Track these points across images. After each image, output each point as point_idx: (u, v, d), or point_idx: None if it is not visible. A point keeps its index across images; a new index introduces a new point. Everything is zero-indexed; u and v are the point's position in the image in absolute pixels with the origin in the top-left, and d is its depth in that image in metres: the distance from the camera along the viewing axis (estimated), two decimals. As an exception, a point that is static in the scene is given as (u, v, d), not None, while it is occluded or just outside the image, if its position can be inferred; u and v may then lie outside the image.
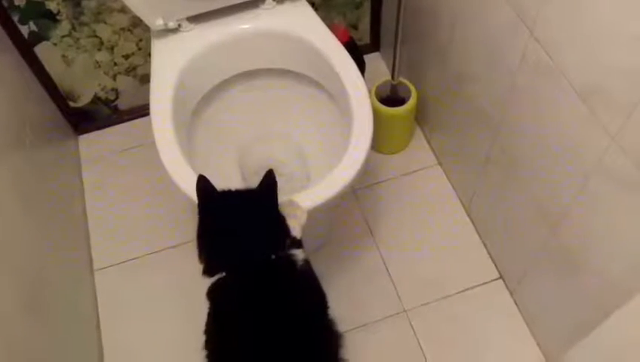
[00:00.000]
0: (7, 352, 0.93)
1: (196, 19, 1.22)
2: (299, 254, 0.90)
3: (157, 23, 1.17)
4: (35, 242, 1.17)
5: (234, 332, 0.88)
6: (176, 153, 1.04)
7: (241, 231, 0.88)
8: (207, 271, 0.89)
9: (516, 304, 1.34)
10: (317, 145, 1.31)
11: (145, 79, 1.63)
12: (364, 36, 1.77)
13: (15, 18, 1.37)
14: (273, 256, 0.88)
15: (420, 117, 1.61)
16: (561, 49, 0.90)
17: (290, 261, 0.90)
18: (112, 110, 1.69)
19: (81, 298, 1.35)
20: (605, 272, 0.96)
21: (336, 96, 1.19)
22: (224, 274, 0.88)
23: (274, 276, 0.88)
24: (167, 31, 1.21)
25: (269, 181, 0.90)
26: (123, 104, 1.68)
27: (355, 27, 1.73)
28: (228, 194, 0.91)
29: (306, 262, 0.92)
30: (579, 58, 0.86)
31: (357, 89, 1.11)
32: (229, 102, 1.30)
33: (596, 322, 1.00)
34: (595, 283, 1.00)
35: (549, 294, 1.19)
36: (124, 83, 1.62)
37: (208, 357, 0.90)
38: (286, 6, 1.24)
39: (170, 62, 1.17)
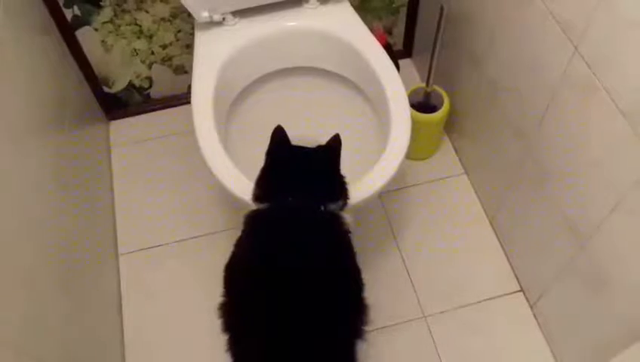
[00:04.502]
0: (43, 322, 0.95)
1: (240, 13, 1.24)
2: (347, 218, 0.94)
3: (203, 15, 1.19)
4: (66, 219, 1.19)
5: (258, 259, 0.90)
6: (215, 144, 1.06)
7: (302, 175, 0.93)
8: (257, 196, 0.93)
9: (536, 318, 1.34)
10: (349, 146, 1.32)
11: (179, 70, 1.65)
12: (397, 42, 1.79)
13: (60, 1, 1.39)
14: (323, 207, 0.91)
15: (448, 125, 1.61)
16: (607, 67, 0.90)
17: (337, 219, 0.93)
18: (145, 98, 1.71)
19: (105, 280, 1.37)
20: (635, 292, 0.96)
21: (374, 99, 1.20)
22: (270, 205, 0.92)
23: (316, 223, 0.91)
24: (212, 23, 1.23)
25: (335, 143, 0.95)
26: (156, 93, 1.70)
27: (389, 32, 1.74)
28: (297, 146, 0.97)
29: (349, 231, 0.95)
30: (625, 77, 0.86)
31: (396, 93, 1.12)
32: (266, 98, 1.32)
33: (620, 343, 1.00)
34: (623, 302, 1.00)
35: (571, 311, 1.19)
36: (159, 72, 1.64)
37: (227, 277, 0.94)
38: (329, 6, 1.26)
39: (213, 55, 1.19)
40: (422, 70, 1.73)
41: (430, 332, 1.34)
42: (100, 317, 1.28)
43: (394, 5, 1.66)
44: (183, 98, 1.69)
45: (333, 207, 0.92)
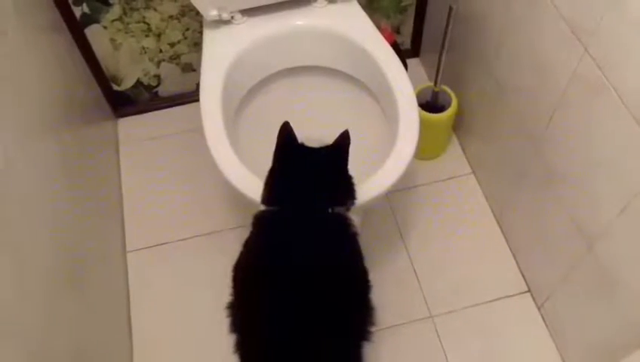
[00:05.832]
0: (52, 319, 0.96)
1: (249, 12, 1.24)
2: (354, 220, 0.93)
3: (211, 13, 1.19)
4: (74, 216, 1.20)
5: (267, 260, 0.90)
6: (224, 143, 1.06)
7: (310, 178, 0.92)
8: (265, 199, 0.93)
9: (543, 319, 1.34)
10: (357, 145, 1.32)
11: (187, 68, 1.66)
12: (405, 41, 1.78)
13: (70, -1, 1.40)
14: (331, 210, 0.91)
15: (456, 125, 1.61)
16: (617, 68, 0.89)
17: (344, 221, 0.93)
18: (153, 96, 1.72)
19: (113, 277, 1.37)
20: (643, 294, 0.96)
21: (382, 99, 1.20)
22: (278, 207, 0.92)
23: (324, 226, 0.91)
24: (220, 22, 1.23)
25: (344, 140, 0.93)
26: (164, 91, 1.71)
27: (397, 31, 1.74)
28: (304, 147, 0.96)
29: (357, 233, 0.95)
30: (635, 77, 0.86)
31: (404, 92, 1.12)
32: (274, 97, 1.32)
33: (628, 346, 1.00)
34: (631, 305, 1.00)
35: (579, 312, 1.18)
36: (167, 70, 1.65)
37: (236, 277, 0.94)
38: (338, 5, 1.26)
39: (221, 53, 1.19)
40: (430, 70, 1.73)
41: (437, 332, 1.34)
42: (108, 313, 1.29)
43: (402, 4, 1.66)
44: (191, 96, 1.70)
45: (340, 208, 0.92)
